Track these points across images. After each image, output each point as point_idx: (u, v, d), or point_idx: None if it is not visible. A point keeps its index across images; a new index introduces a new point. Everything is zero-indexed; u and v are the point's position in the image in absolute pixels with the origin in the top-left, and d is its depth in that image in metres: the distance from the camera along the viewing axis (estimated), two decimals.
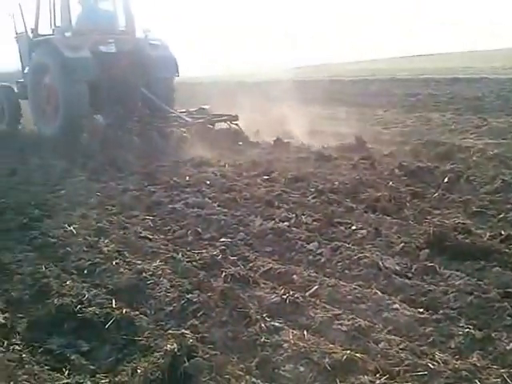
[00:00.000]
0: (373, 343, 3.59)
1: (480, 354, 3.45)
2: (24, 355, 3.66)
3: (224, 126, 12.64)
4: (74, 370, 3.54)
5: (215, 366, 3.29)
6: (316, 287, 4.45)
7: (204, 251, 5.38)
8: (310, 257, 5.21)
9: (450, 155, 9.10)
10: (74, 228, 6.11)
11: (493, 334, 3.64)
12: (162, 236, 6.01)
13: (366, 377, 3.19)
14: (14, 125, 15.00)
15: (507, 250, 4.99)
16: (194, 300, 4.19)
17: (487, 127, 12.65)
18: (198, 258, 5.21)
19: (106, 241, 5.73)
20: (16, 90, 14.81)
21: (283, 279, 4.68)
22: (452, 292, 4.27)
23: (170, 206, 6.97)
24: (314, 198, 7.07)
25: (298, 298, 4.15)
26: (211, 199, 7.18)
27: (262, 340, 3.60)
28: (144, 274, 4.73)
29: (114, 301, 4.26)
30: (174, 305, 4.22)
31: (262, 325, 3.77)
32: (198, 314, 4.02)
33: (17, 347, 3.78)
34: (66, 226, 6.19)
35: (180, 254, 5.33)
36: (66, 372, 3.50)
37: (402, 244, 5.28)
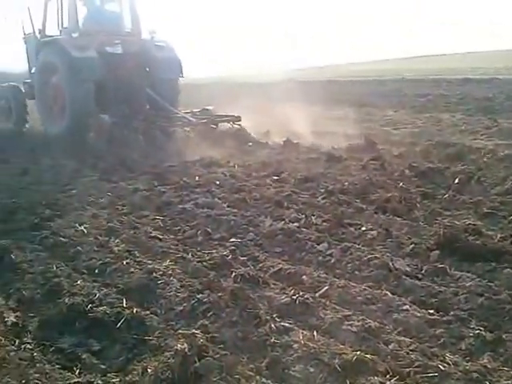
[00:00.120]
0: (383, 344, 3.59)
1: (491, 356, 3.44)
2: (35, 354, 3.68)
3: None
4: (85, 369, 3.55)
5: (225, 366, 3.30)
6: (326, 288, 4.45)
7: (214, 251, 5.40)
8: (320, 257, 5.21)
9: (461, 156, 9.08)
10: (84, 228, 6.14)
11: (504, 336, 3.63)
12: (172, 236, 6.02)
13: (376, 378, 3.19)
14: (21, 124, 15.19)
15: None
16: (204, 300, 4.20)
17: (498, 128, 12.59)
18: (207, 258, 5.22)
19: (116, 240, 5.76)
20: (23, 90, 14.97)
21: (293, 280, 4.68)
22: (463, 293, 4.26)
23: (180, 206, 6.98)
24: (323, 198, 7.07)
25: (308, 299, 4.15)
26: (221, 199, 7.19)
27: (272, 340, 3.61)
28: (154, 274, 4.74)
29: (124, 300, 4.27)
30: (185, 305, 4.23)
31: (272, 325, 3.77)
32: (208, 314, 4.03)
33: (28, 346, 3.80)
34: (77, 225, 6.21)
35: (190, 254, 5.36)
36: (77, 371, 3.51)
37: (413, 245, 5.27)
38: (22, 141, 13.20)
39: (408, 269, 4.77)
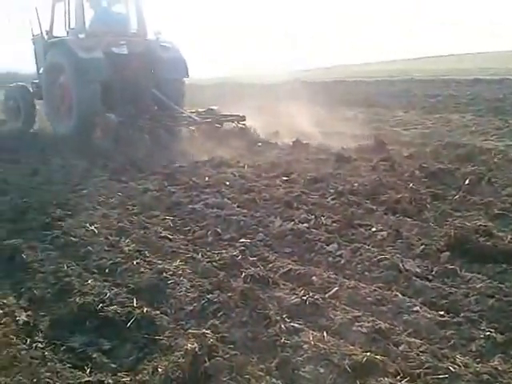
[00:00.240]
0: (393, 345, 3.58)
1: (501, 358, 3.43)
2: (46, 353, 3.70)
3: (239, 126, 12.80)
4: (96, 368, 3.57)
5: (235, 366, 3.31)
6: (336, 289, 4.45)
7: (224, 251, 5.40)
8: (330, 258, 5.21)
9: (471, 157, 9.05)
10: (95, 227, 6.16)
11: None
12: (181, 236, 6.04)
13: (386, 379, 3.18)
14: (29, 124, 15.33)
15: None
16: (214, 300, 4.21)
17: (508, 129, 12.55)
18: (217, 258, 5.23)
19: (126, 240, 5.78)
20: (31, 90, 15.11)
21: (303, 280, 4.68)
22: (473, 295, 4.24)
23: (190, 206, 6.99)
24: (333, 199, 7.06)
25: (318, 300, 4.15)
26: (230, 200, 7.20)
27: (282, 341, 3.61)
28: (164, 274, 4.76)
29: (135, 300, 4.29)
30: (195, 305, 4.24)
31: (282, 326, 3.78)
32: (218, 314, 4.04)
33: (39, 345, 3.82)
34: (88, 225, 6.24)
35: (200, 254, 5.37)
36: (88, 370, 3.53)
37: (423, 246, 5.25)
38: (33, 141, 13.27)
39: (418, 270, 4.76)
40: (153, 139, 11.28)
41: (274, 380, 3.27)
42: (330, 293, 4.40)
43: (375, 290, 4.37)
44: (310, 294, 4.23)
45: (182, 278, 4.69)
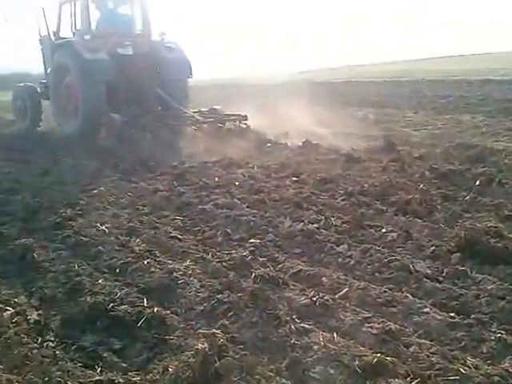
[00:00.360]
0: (403, 347, 3.58)
1: None
2: (58, 352, 3.73)
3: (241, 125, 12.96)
4: (106, 367, 3.59)
5: (245, 367, 3.32)
6: (346, 290, 4.44)
7: (233, 252, 5.41)
8: (340, 259, 5.20)
9: (482, 158, 9.00)
10: (106, 227, 6.19)
11: None
12: (191, 236, 6.05)
13: (396, 380, 3.19)
14: (35, 124, 15.52)
15: None
16: (224, 300, 4.22)
17: None
18: (227, 258, 5.24)
19: (137, 240, 5.80)
20: (39, 90, 15.29)
21: (312, 281, 4.68)
22: (484, 296, 4.23)
23: (200, 206, 7.00)
24: (343, 200, 7.05)
25: (328, 301, 4.15)
26: (240, 200, 7.20)
27: (292, 341, 3.61)
28: (175, 274, 4.77)
29: (145, 300, 4.31)
30: (205, 305, 4.25)
31: (292, 326, 3.78)
32: (228, 315, 4.05)
33: (50, 344, 3.85)
34: (98, 225, 6.27)
35: (210, 255, 5.38)
36: (99, 369, 3.55)
37: (433, 247, 5.24)
38: (44, 141, 13.34)
39: (428, 271, 4.75)
40: (155, 138, 11.41)
41: (283, 380, 3.28)
42: (340, 293, 4.40)
43: (385, 291, 4.37)
44: (320, 295, 4.23)
45: (192, 278, 4.70)
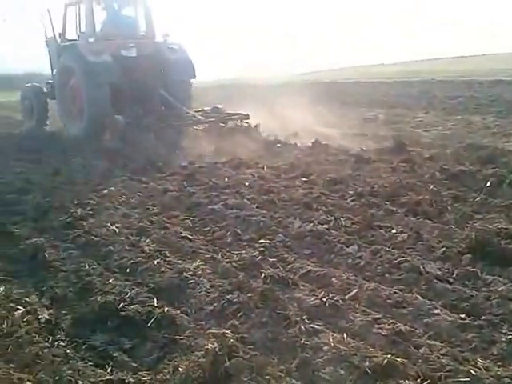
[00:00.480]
0: (413, 348, 3.58)
1: None
2: (68, 351, 3.76)
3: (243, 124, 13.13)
4: (117, 366, 3.61)
5: (255, 367, 3.32)
6: (356, 290, 4.44)
7: (243, 252, 5.42)
8: (350, 260, 5.20)
9: (492, 159, 8.94)
10: (116, 227, 6.22)
11: None
12: (201, 236, 6.06)
13: (406, 381, 3.19)
14: (41, 123, 15.71)
15: None
16: (234, 300, 4.24)
17: None
18: (237, 258, 5.25)
19: (147, 240, 5.82)
20: (45, 90, 15.47)
21: (322, 282, 4.68)
22: (494, 298, 4.21)
23: (210, 206, 7.01)
24: (353, 200, 7.04)
25: (338, 301, 4.16)
26: (250, 201, 7.20)
27: (302, 342, 3.62)
28: (185, 274, 4.79)
29: (155, 299, 4.33)
30: (215, 305, 4.27)
31: (302, 327, 3.79)
32: (238, 315, 4.06)
33: (61, 343, 3.88)
34: (109, 225, 6.30)
35: (219, 255, 5.39)
36: (109, 368, 3.57)
37: (444, 248, 5.22)
38: (54, 141, 13.41)
39: (439, 272, 4.73)
40: (159, 138, 11.57)
41: (293, 381, 3.29)
42: (350, 294, 4.39)
43: (395, 292, 4.36)
44: (330, 296, 4.23)
45: (202, 278, 4.72)
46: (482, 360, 3.43)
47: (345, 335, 3.70)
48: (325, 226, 6.06)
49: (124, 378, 3.42)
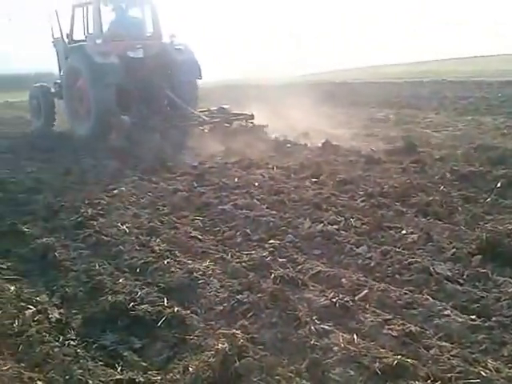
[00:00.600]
0: (424, 349, 3.57)
1: None
2: (79, 350, 3.78)
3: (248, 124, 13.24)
4: (127, 366, 3.63)
5: (265, 367, 3.32)
6: (365, 291, 4.43)
7: (253, 252, 5.43)
8: (360, 260, 5.19)
9: (503, 160, 8.88)
10: (126, 227, 6.24)
11: None
12: (211, 236, 6.07)
13: (416, 382, 3.18)
14: (49, 123, 15.84)
15: None
16: (244, 300, 4.24)
17: None
18: (247, 259, 5.25)
19: (157, 240, 5.84)
20: (53, 90, 15.60)
21: (332, 282, 4.68)
22: (505, 299, 4.20)
23: (220, 207, 7.02)
24: (362, 201, 7.02)
25: (348, 302, 4.15)
26: (260, 201, 7.21)
27: (312, 342, 3.62)
28: (194, 274, 4.80)
29: (165, 299, 4.35)
30: (224, 305, 4.27)
31: (312, 327, 3.79)
32: (248, 315, 4.07)
33: (72, 342, 3.90)
34: (119, 224, 6.33)
35: (229, 255, 5.40)
36: (119, 368, 3.59)
37: (454, 249, 5.20)
38: (64, 141, 13.48)
39: (449, 273, 4.72)
40: (165, 138, 11.69)
41: (303, 381, 3.28)
42: (360, 295, 4.39)
43: (405, 293, 4.35)
44: (340, 296, 4.23)
45: (211, 278, 4.73)
46: (493, 361, 3.42)
47: (355, 336, 3.69)
48: (335, 226, 6.05)
49: (134, 377, 3.43)
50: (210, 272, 4.87)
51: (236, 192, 7.73)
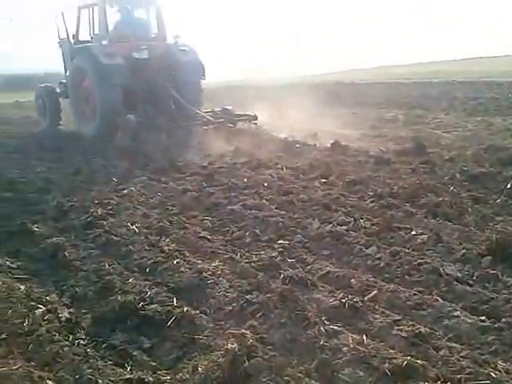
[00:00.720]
0: (433, 350, 3.56)
1: None
2: (88, 350, 3.78)
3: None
4: (136, 365, 3.63)
5: (275, 367, 3.32)
6: (375, 292, 4.42)
7: (262, 253, 5.42)
8: (369, 261, 5.18)
9: None
10: (136, 227, 6.26)
11: None
12: (220, 237, 6.08)
13: None
14: (55, 122, 16.07)
15: None
16: (253, 301, 4.24)
17: None
18: (256, 259, 5.25)
19: (166, 240, 5.85)
20: (58, 90, 15.87)
21: (341, 283, 4.67)
22: None
23: (229, 207, 7.03)
24: (372, 201, 7.01)
25: (357, 303, 4.14)
26: (269, 201, 7.20)
27: (321, 343, 3.61)
28: (204, 274, 4.81)
29: (175, 299, 4.35)
30: (234, 305, 4.27)
31: (321, 328, 3.78)
32: (257, 315, 4.07)
33: (81, 342, 3.90)
34: (129, 224, 6.34)
35: (238, 255, 5.40)
36: (129, 367, 3.59)
37: (464, 250, 5.18)
38: (74, 141, 13.54)
39: (459, 274, 4.70)
40: (170, 137, 11.95)
41: (313, 382, 3.28)
42: (369, 296, 4.38)
43: (415, 294, 4.34)
44: (349, 297, 4.22)
45: (221, 279, 4.73)
46: (503, 363, 3.40)
47: (364, 336, 3.69)
48: (344, 227, 6.05)
49: (143, 377, 3.43)
50: (219, 272, 4.88)
51: (245, 192, 7.74)
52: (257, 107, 14.22)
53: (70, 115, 15.06)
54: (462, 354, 3.50)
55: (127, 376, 3.46)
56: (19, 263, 5.46)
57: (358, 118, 15.79)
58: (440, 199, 6.72)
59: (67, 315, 4.30)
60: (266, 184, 8.15)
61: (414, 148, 10.22)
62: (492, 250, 5.07)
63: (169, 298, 4.39)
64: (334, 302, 4.21)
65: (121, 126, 12.41)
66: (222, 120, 13.45)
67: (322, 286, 4.56)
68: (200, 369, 3.37)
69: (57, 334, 3.95)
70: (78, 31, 14.91)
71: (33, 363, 3.63)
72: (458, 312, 4.03)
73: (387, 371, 3.26)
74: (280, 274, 4.73)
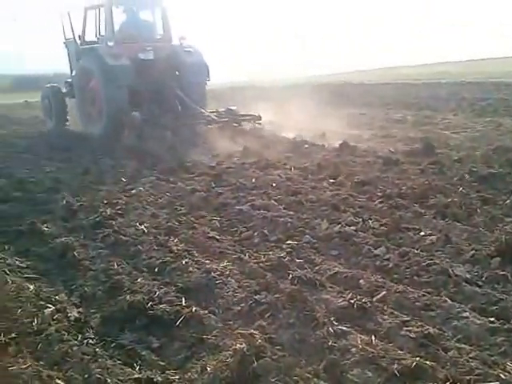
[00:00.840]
0: (442, 351, 3.55)
1: None
2: (97, 349, 3.79)
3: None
4: (145, 365, 3.64)
5: (283, 368, 3.32)
6: (383, 293, 4.42)
7: (271, 253, 5.42)
8: (377, 262, 5.17)
9: None
10: (144, 227, 6.27)
11: None
12: (229, 237, 6.08)
13: None
14: (61, 122, 16.09)
15: None
16: (262, 301, 4.24)
17: None
18: (264, 259, 5.25)
19: (175, 240, 5.85)
20: (64, 90, 15.93)
21: (350, 283, 4.67)
22: None
23: (237, 207, 7.03)
24: (381, 202, 7.00)
25: (366, 303, 4.14)
26: (277, 201, 7.20)
27: (330, 343, 3.61)
28: (212, 274, 4.81)
29: (183, 299, 4.36)
30: (242, 305, 4.27)
31: (330, 328, 3.78)
32: (266, 315, 4.07)
33: (90, 341, 3.91)
34: (138, 224, 6.36)
35: (247, 255, 5.41)
36: (137, 367, 3.60)
37: (473, 251, 5.16)
38: (83, 141, 13.58)
39: (468, 275, 4.69)
40: (175, 136, 12.06)
41: (321, 382, 3.28)
42: (378, 296, 4.37)
43: (424, 295, 4.33)
44: (358, 298, 4.22)
45: (229, 279, 4.73)
46: None
47: (373, 337, 3.68)
48: (352, 227, 6.04)
49: (152, 376, 3.44)
50: (227, 272, 4.88)
51: (253, 192, 7.74)
52: (262, 107, 14.22)
53: (75, 116, 15.11)
54: (470, 355, 3.49)
55: (136, 376, 3.47)
56: (28, 263, 5.48)
57: (367, 119, 15.77)
58: (449, 200, 6.71)
59: (76, 315, 4.31)
60: (274, 184, 8.15)
61: (422, 148, 10.19)
62: (501, 250, 5.05)
63: (177, 298, 4.39)
64: (342, 303, 4.20)
65: (126, 124, 12.51)
66: (226, 119, 13.55)
67: (331, 287, 4.56)
68: (208, 369, 3.38)
69: (66, 334, 3.96)
70: (84, 32, 15.00)
71: (42, 362, 3.64)
72: (467, 313, 4.02)
73: (396, 372, 3.25)
74: (288, 274, 4.73)
